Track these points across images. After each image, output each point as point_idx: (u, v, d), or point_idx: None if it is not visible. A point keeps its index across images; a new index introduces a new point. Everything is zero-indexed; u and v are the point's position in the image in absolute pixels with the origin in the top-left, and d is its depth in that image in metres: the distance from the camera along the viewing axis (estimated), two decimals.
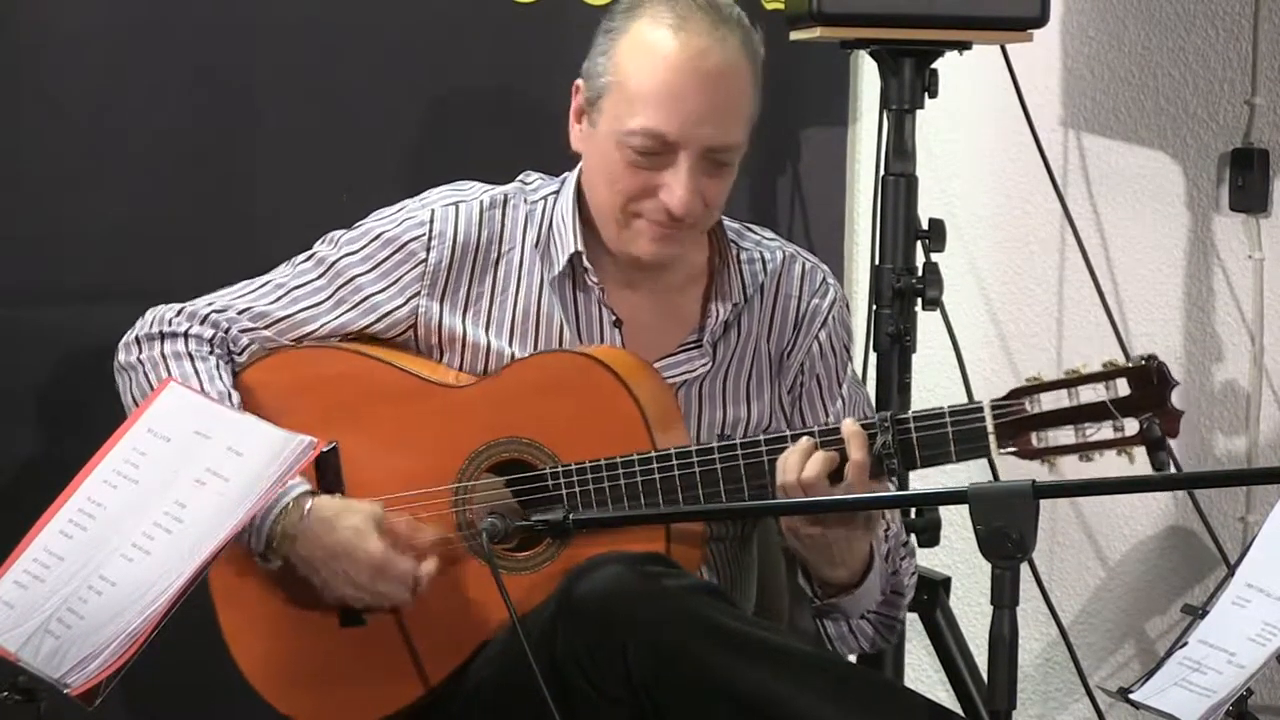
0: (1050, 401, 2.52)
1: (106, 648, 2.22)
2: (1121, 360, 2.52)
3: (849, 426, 2.58)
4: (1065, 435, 2.52)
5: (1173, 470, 2.56)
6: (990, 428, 2.54)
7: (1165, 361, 2.52)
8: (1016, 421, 2.53)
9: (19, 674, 2.26)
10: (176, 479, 2.33)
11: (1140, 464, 2.51)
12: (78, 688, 2.22)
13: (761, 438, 2.64)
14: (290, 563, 2.62)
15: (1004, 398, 2.54)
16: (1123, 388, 2.50)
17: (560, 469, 2.63)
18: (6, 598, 2.29)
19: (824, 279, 2.88)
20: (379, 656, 2.67)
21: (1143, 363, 2.50)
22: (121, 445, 2.38)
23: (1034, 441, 2.53)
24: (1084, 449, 2.51)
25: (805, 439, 2.59)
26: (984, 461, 3.50)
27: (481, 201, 2.80)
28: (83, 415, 3.17)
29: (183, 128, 3.44)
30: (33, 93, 3.38)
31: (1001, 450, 2.54)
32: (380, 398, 2.72)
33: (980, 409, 2.55)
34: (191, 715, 3.43)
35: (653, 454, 2.62)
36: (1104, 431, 2.51)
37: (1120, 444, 2.49)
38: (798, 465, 2.57)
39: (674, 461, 2.62)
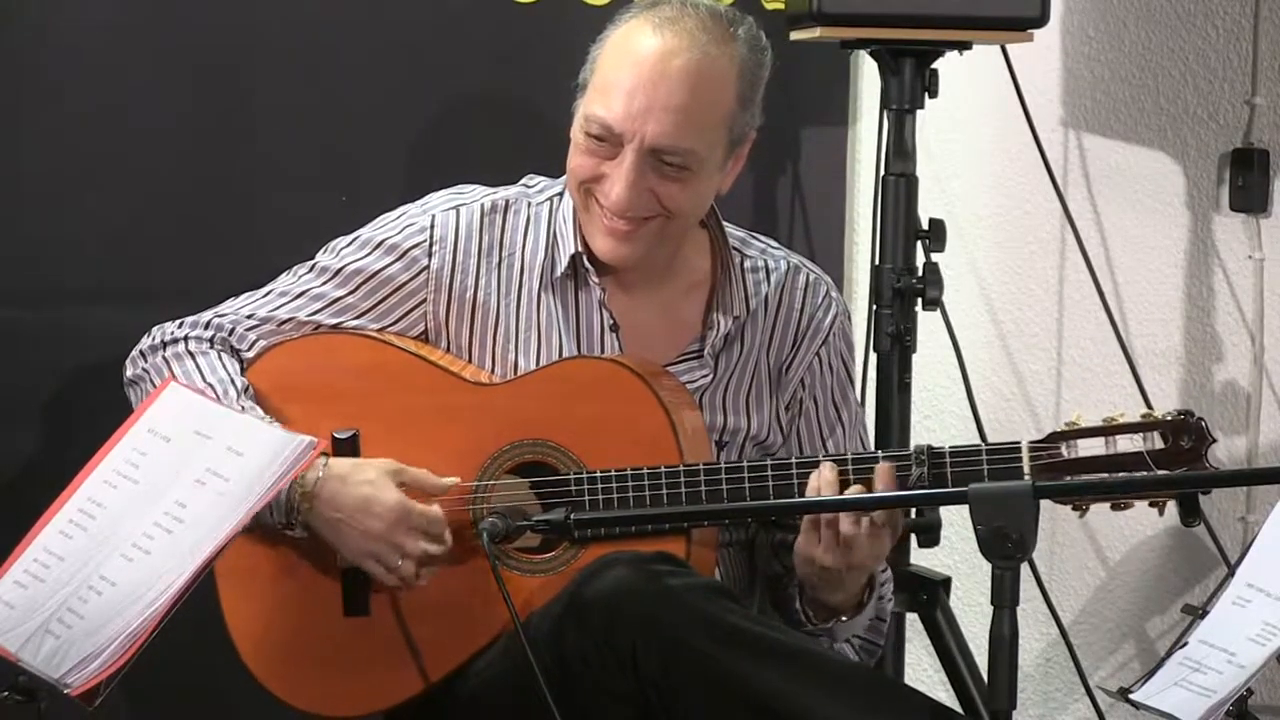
0: (1086, 448, 2.54)
1: (107, 648, 2.22)
2: (1160, 412, 2.54)
3: (885, 472, 2.58)
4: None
5: (1199, 521, 2.60)
6: (1027, 468, 2.55)
7: (1204, 418, 2.55)
8: (1052, 464, 2.55)
9: (19, 674, 2.26)
10: (177, 479, 2.33)
11: (1170, 515, 2.53)
12: (78, 688, 2.21)
13: (793, 460, 2.64)
14: (313, 529, 2.62)
15: (1042, 440, 2.56)
16: (1160, 439, 2.52)
17: (585, 474, 2.63)
18: (7, 598, 2.29)
19: (827, 292, 2.87)
20: (383, 648, 2.67)
21: (1181, 417, 2.52)
22: (122, 445, 2.38)
23: None
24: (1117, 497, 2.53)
25: (832, 470, 2.59)
26: None
27: (482, 205, 2.80)
28: (83, 416, 3.17)
29: (183, 128, 3.44)
30: (33, 93, 3.38)
31: None
32: (406, 389, 2.72)
33: (1018, 447, 2.56)
34: (191, 715, 3.43)
35: (680, 467, 2.62)
36: None
37: (1153, 496, 2.51)
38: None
39: (701, 478, 2.62)
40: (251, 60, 3.46)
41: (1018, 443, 2.57)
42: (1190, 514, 2.51)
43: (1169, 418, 2.53)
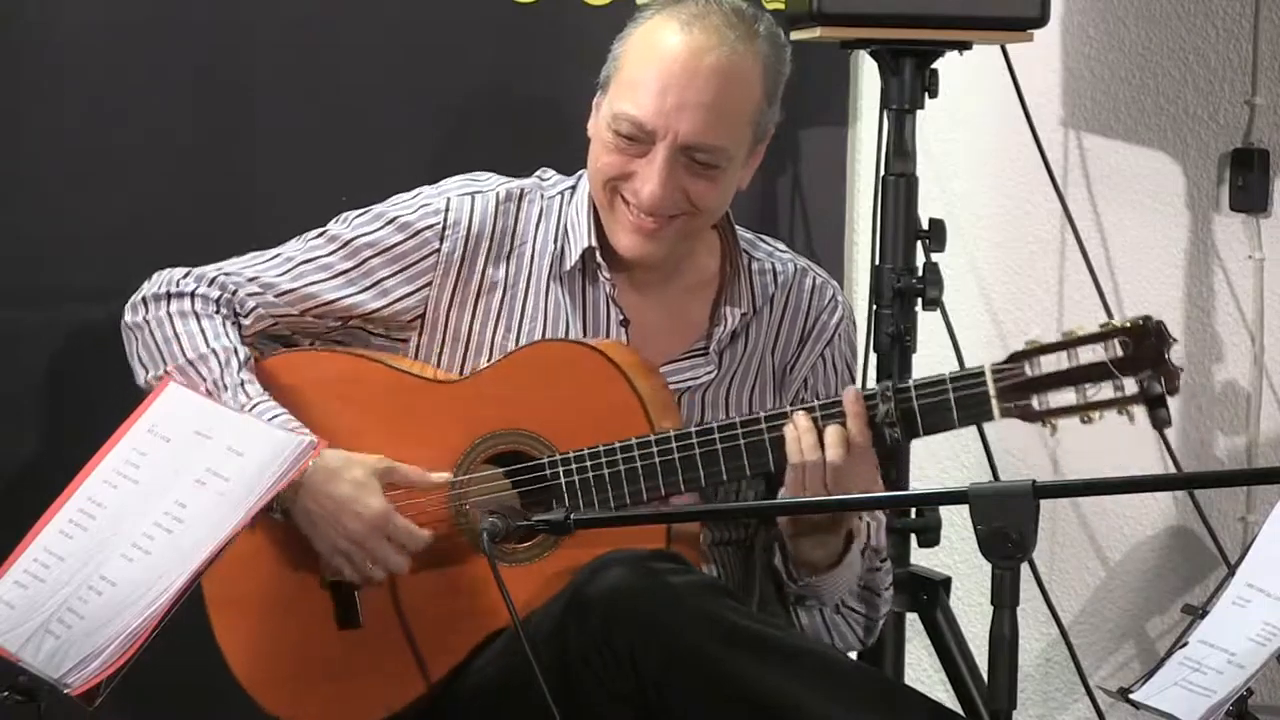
0: (1050, 364, 2.53)
1: (107, 648, 2.22)
2: (1118, 320, 2.52)
3: (851, 402, 2.58)
4: (1066, 397, 2.53)
5: (1169, 421, 2.56)
6: (992, 391, 2.55)
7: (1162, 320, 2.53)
8: (1017, 385, 2.54)
9: (19, 674, 2.26)
10: (177, 479, 2.33)
11: (1140, 423, 2.51)
12: (78, 688, 2.22)
13: (761, 414, 2.63)
14: (291, 516, 2.62)
15: (1004, 361, 2.55)
16: (1121, 347, 2.50)
17: (558, 457, 2.63)
18: (7, 598, 2.29)
19: (833, 295, 2.88)
20: (380, 656, 2.67)
21: (1140, 322, 2.50)
22: (122, 445, 2.38)
23: (1035, 404, 2.53)
24: (1085, 409, 2.52)
25: (805, 417, 2.59)
26: (984, 461, 3.53)
27: (498, 193, 2.81)
28: (83, 415, 3.16)
29: (183, 128, 3.44)
30: (33, 93, 3.38)
31: (1003, 414, 2.55)
32: (376, 396, 2.72)
33: (981, 373, 2.56)
34: (191, 715, 3.43)
35: (651, 437, 2.62)
36: (1104, 391, 2.51)
37: (1120, 403, 2.50)
38: (816, 446, 2.57)
39: (673, 444, 2.61)
40: (251, 60, 3.46)
41: (980, 367, 2.57)
42: (1160, 419, 2.50)
43: (1127, 325, 2.51)
